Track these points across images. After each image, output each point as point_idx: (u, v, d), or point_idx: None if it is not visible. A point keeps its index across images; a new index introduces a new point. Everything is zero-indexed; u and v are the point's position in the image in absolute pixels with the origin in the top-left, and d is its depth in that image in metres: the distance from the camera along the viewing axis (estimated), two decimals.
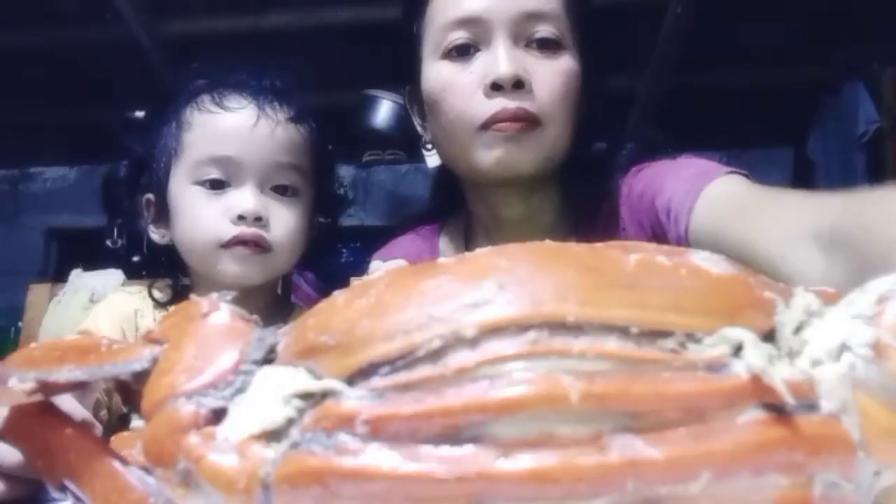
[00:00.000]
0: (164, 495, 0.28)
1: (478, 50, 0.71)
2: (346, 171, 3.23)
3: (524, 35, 0.71)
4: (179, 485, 0.26)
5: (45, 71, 2.76)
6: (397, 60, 0.83)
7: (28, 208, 3.51)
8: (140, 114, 0.86)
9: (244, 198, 0.75)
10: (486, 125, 0.69)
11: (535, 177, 0.73)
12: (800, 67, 2.78)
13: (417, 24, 0.76)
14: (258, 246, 0.76)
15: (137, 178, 0.82)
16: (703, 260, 0.27)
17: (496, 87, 0.69)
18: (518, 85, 0.68)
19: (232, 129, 0.76)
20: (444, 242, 0.91)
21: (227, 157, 0.76)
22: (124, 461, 0.31)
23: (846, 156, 2.73)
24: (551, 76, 0.70)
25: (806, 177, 3.05)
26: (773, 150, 3.22)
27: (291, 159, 0.78)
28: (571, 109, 0.72)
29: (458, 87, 0.71)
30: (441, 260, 0.28)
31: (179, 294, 0.82)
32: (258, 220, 0.75)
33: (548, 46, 0.71)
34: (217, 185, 0.76)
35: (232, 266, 0.76)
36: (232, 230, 0.75)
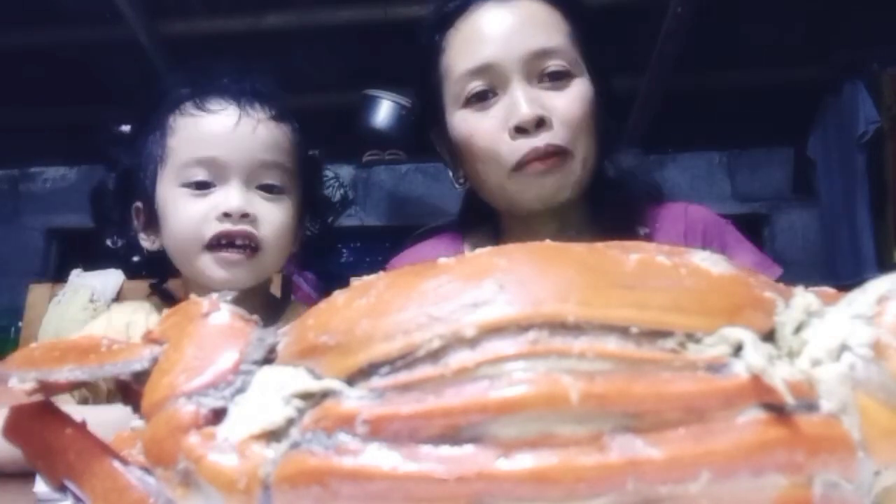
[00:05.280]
0: (164, 495, 0.28)
1: (495, 94, 0.75)
2: (346, 171, 3.24)
3: (536, 72, 0.74)
4: (179, 485, 0.26)
5: (45, 71, 2.76)
6: (402, 64, 0.85)
7: (28, 208, 3.51)
8: (126, 127, 0.87)
9: (229, 195, 0.76)
10: (520, 166, 0.73)
11: (569, 201, 0.77)
12: (800, 67, 2.78)
13: (435, 77, 0.80)
14: (247, 246, 0.76)
15: (125, 188, 0.83)
16: (703, 260, 0.27)
17: (520, 130, 0.72)
18: (540, 123, 0.72)
19: (214, 130, 0.77)
20: (469, 251, 0.90)
21: (211, 158, 0.76)
22: (124, 461, 0.31)
23: (846, 156, 2.73)
24: (568, 105, 0.74)
25: (806, 177, 3.06)
26: (773, 150, 3.23)
27: (275, 157, 0.79)
28: (592, 130, 0.76)
29: (483, 132, 0.75)
30: (441, 260, 0.28)
31: (172, 297, 0.83)
32: (245, 216, 0.76)
33: (559, 77, 0.75)
34: (203, 187, 0.76)
35: (218, 271, 0.76)
36: (215, 227, 0.75)
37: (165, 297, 0.86)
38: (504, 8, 0.76)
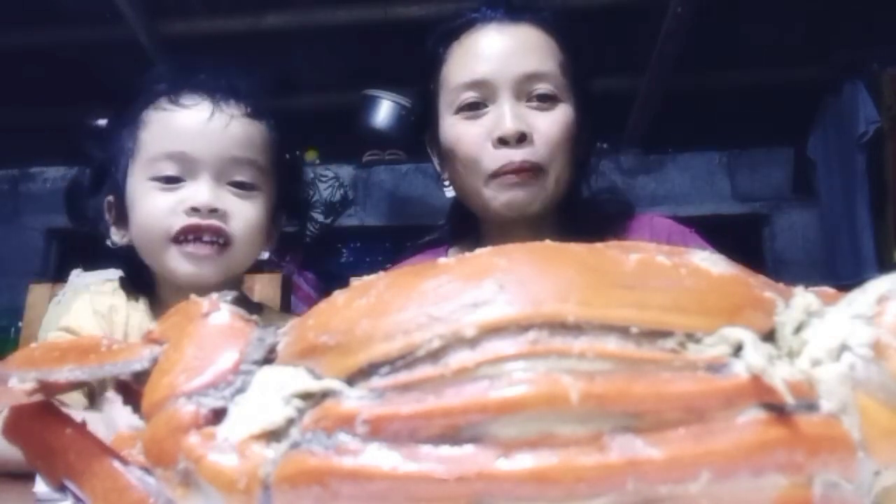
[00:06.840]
0: (164, 495, 0.28)
1: (486, 106, 0.81)
2: (346, 171, 3.24)
3: (525, 92, 0.80)
4: (179, 485, 0.26)
5: (45, 71, 2.76)
6: (400, 64, 0.89)
7: (28, 208, 3.51)
8: (103, 121, 0.87)
9: (198, 190, 0.75)
10: (496, 174, 0.79)
11: (540, 213, 0.82)
12: (800, 67, 2.78)
13: (434, 84, 0.86)
14: (217, 241, 0.75)
15: (100, 183, 0.83)
16: (703, 260, 0.27)
17: (503, 142, 0.78)
18: (521, 138, 0.78)
19: (186, 124, 0.77)
20: None
21: (182, 153, 0.76)
22: (124, 461, 0.31)
23: (846, 156, 2.74)
24: (550, 126, 0.80)
25: (806, 177, 3.06)
26: (773, 150, 3.23)
27: (247, 154, 0.78)
28: (569, 152, 0.82)
29: (469, 139, 0.81)
30: (441, 260, 0.28)
31: (148, 287, 0.83)
32: (213, 211, 0.75)
33: (546, 100, 0.81)
34: (172, 181, 0.76)
35: (185, 265, 0.75)
36: (183, 221, 0.74)
37: (136, 288, 0.85)
38: (505, 30, 0.82)
